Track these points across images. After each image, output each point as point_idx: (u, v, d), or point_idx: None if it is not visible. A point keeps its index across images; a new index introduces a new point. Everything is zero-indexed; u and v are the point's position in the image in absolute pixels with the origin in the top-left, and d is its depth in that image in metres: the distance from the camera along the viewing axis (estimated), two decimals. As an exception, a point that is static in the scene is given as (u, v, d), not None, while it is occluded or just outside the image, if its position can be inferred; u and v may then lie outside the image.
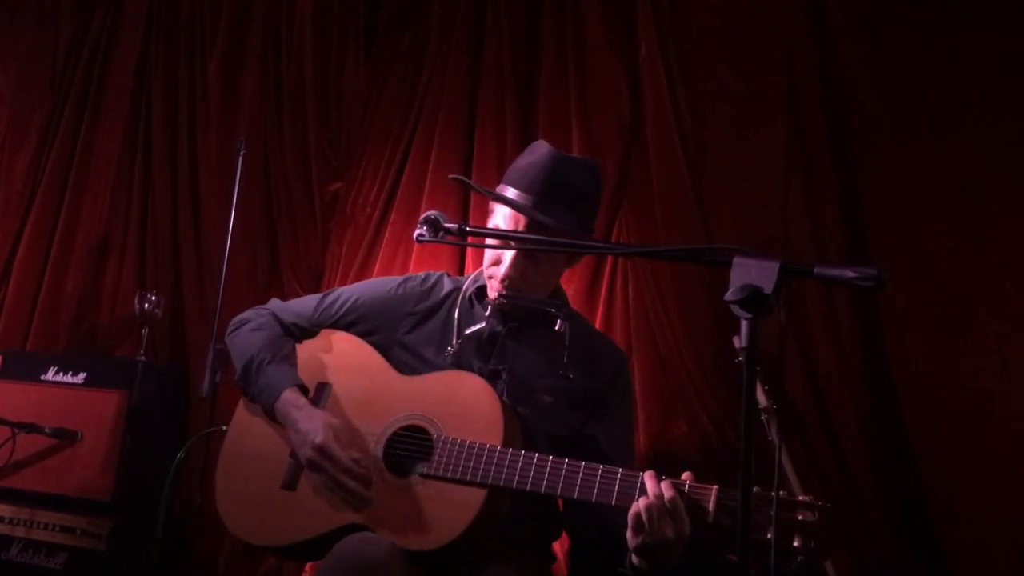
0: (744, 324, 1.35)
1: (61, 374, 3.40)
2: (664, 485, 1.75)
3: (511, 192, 2.12)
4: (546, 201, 2.07)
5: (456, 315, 2.20)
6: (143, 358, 3.40)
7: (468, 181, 2.40)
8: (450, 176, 2.35)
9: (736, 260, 1.38)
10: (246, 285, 3.83)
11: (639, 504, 1.74)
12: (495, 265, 2.13)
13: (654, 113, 3.14)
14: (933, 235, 2.69)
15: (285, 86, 3.97)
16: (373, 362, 2.17)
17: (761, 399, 2.46)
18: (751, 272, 1.35)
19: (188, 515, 3.24)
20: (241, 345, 2.24)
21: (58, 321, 3.98)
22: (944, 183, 2.71)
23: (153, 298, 3.55)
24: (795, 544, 1.63)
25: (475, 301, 2.23)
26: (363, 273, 3.55)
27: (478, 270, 2.30)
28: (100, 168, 4.13)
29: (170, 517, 3.08)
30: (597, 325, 3.12)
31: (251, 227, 3.86)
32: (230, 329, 2.32)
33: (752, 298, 1.33)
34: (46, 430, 3.20)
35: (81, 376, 3.37)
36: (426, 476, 1.95)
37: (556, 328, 2.10)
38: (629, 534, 1.76)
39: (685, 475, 1.79)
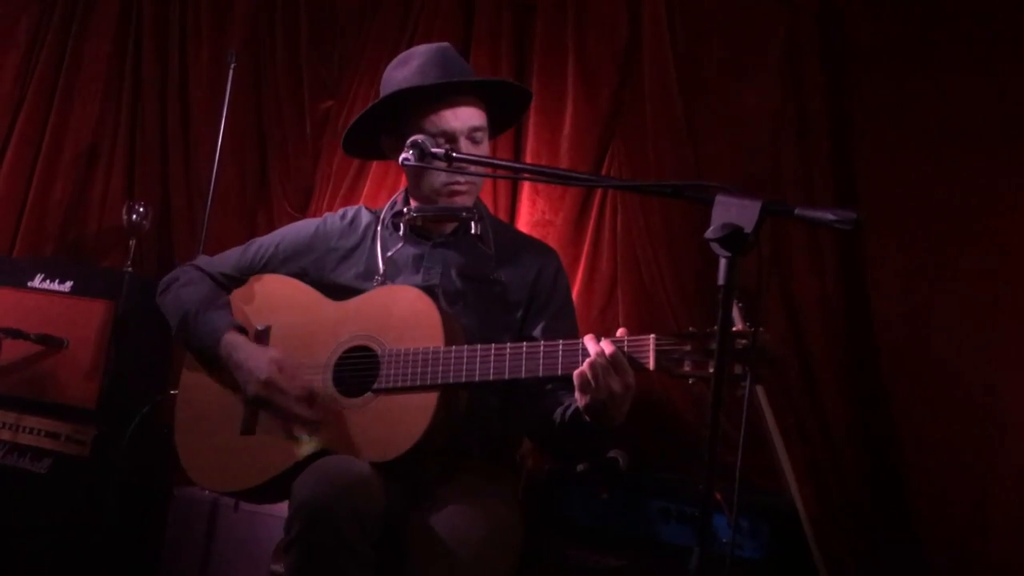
0: (723, 262, 1.36)
1: (48, 281, 3.39)
2: (604, 343, 1.80)
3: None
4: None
5: (379, 243, 2.23)
6: (130, 269, 3.40)
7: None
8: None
9: (718, 198, 1.39)
10: (235, 200, 3.83)
11: (583, 365, 1.79)
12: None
13: (651, 45, 3.09)
14: (923, 175, 2.68)
15: (279, 1, 3.89)
16: (306, 295, 2.19)
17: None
18: (732, 211, 1.37)
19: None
20: (174, 301, 2.24)
21: (45, 228, 3.97)
22: (937, 124, 2.68)
23: (141, 209, 3.53)
24: (736, 372, 1.69)
25: (394, 228, 2.25)
26: (352, 193, 3.54)
27: (393, 197, 2.35)
28: (89, 74, 4.06)
29: (152, 428, 3.12)
30: (583, 254, 3.14)
31: (241, 142, 3.83)
32: (160, 290, 2.31)
33: (731, 237, 1.34)
34: (31, 336, 3.22)
35: (68, 284, 3.36)
36: (378, 391, 1.99)
37: (472, 232, 2.16)
38: (577, 395, 1.81)
39: (620, 331, 1.83)
